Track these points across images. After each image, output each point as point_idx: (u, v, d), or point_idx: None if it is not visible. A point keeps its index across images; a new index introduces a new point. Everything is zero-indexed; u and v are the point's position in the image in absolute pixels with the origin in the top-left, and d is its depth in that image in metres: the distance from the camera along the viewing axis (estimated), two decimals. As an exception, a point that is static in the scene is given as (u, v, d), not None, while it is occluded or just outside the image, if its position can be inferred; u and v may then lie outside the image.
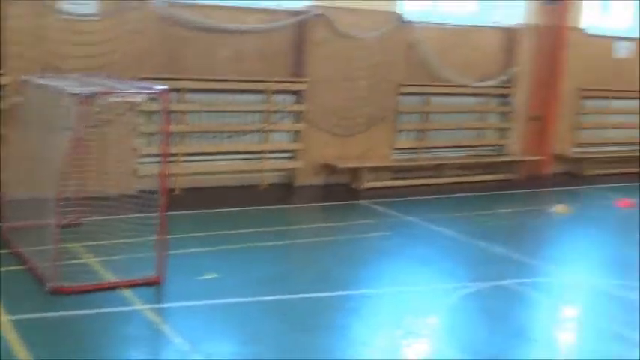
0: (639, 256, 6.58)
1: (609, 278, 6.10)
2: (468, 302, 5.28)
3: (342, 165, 8.62)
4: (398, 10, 8.90)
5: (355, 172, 8.75)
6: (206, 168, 8.17)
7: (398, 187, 8.92)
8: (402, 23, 8.91)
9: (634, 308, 5.38)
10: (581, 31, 10.39)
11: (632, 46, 11.08)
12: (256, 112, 8.34)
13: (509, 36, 9.89)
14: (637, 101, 11.31)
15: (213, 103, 8.06)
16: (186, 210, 7.02)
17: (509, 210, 8.31)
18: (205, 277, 5.34)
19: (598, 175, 10.60)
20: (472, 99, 9.80)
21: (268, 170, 8.53)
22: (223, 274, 5.43)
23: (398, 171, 9.19)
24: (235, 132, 8.24)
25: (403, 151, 9.39)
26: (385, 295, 5.33)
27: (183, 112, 7.86)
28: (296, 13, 8.36)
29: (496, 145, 10.12)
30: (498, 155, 10.06)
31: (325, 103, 8.63)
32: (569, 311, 5.43)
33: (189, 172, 8.00)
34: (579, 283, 6.00)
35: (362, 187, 8.67)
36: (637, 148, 11.39)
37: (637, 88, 11.18)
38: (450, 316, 5.06)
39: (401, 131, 9.30)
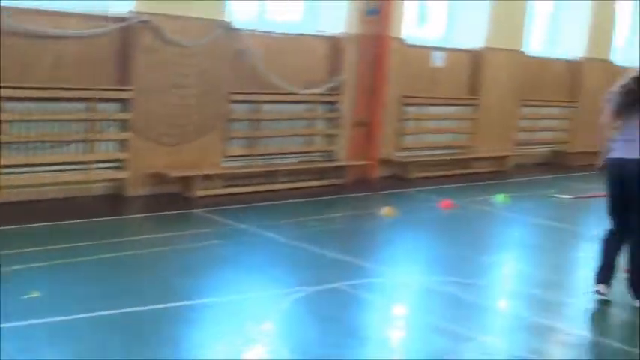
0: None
1: (435, 275, 6.40)
2: (301, 306, 5.35)
3: (172, 174, 8.47)
4: (226, 18, 8.88)
5: (187, 181, 8.63)
6: (29, 180, 7.73)
7: (230, 194, 8.90)
8: (229, 31, 8.90)
9: (458, 303, 5.70)
10: (401, 41, 10.85)
11: (445, 55, 11.72)
12: (80, 122, 8.01)
13: (335, 45, 10.16)
14: (453, 107, 12.00)
15: (33, 112, 7.65)
16: (9, 225, 6.61)
17: (340, 214, 8.53)
18: (31, 295, 5.04)
19: (422, 177, 11.12)
20: (301, 106, 9.96)
21: (95, 181, 8.22)
22: (50, 291, 5.15)
23: (230, 179, 9.17)
24: (58, 142, 7.88)
25: (235, 158, 9.38)
26: (223, 304, 5.29)
27: (0, 122, 7.41)
28: (120, 19, 8.12)
29: (325, 151, 10.34)
30: (327, 161, 10.29)
31: (153, 112, 8.45)
32: (400, 309, 5.65)
33: (11, 184, 7.54)
34: (408, 282, 6.26)
35: (194, 195, 8.57)
36: (455, 151, 12.09)
37: (452, 95, 11.86)
38: (284, 320, 5.11)
39: (232, 139, 9.28)
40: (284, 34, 9.65)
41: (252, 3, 9.59)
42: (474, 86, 12.22)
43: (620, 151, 5.79)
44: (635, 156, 5.67)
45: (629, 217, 5.79)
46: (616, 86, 5.92)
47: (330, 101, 10.24)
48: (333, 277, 5.99)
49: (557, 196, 10.39)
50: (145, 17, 8.16)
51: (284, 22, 10.00)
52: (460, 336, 5.00)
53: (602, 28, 14.35)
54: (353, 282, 5.93)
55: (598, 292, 5.92)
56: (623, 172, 5.76)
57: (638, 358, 4.84)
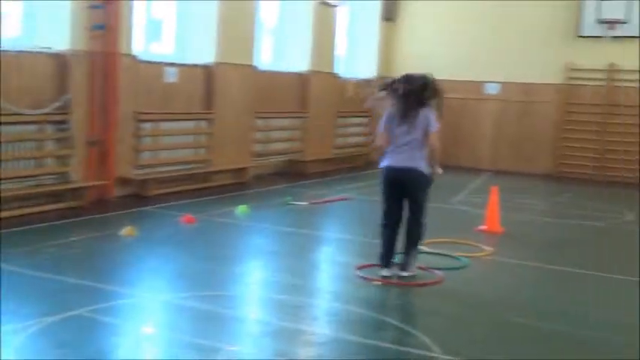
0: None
1: (181, 292, 6.34)
2: (40, 339, 5.02)
3: None
4: None
5: None
6: None
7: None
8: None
9: (205, 317, 5.69)
10: (132, 57, 10.65)
11: (178, 71, 11.71)
12: None
13: (61, 62, 9.72)
14: (189, 122, 12.02)
15: None
16: None
17: (78, 237, 8.14)
18: None
19: (162, 194, 10.99)
20: (28, 127, 9.38)
21: None
22: None
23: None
24: None
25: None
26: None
27: None
28: None
29: (58, 172, 9.83)
30: (61, 183, 9.79)
31: None
32: (146, 330, 5.50)
33: None
34: (154, 301, 6.13)
35: None
36: (194, 166, 12.10)
37: (187, 110, 11.88)
38: (21, 357, 4.75)
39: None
40: (3, 51, 9.03)
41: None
42: (208, 101, 12.34)
43: (402, 160, 6.81)
44: (414, 165, 6.78)
45: (409, 208, 6.96)
46: (382, 101, 6.96)
47: (59, 121, 9.76)
48: (75, 304, 5.70)
49: (293, 202, 10.78)
50: None
51: (3, 38, 9.37)
52: (208, 348, 4.99)
53: (324, 41, 15.21)
54: (96, 307, 5.69)
55: (384, 276, 6.93)
56: (405, 178, 6.82)
57: (374, 348, 5.16)
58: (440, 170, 6.99)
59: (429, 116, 6.76)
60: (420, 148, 6.78)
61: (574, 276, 7.57)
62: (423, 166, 6.82)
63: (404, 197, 6.93)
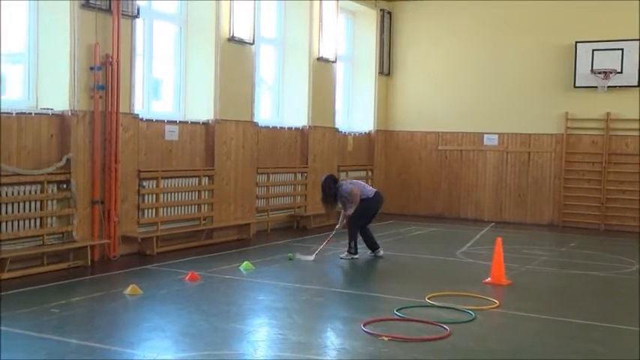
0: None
1: (184, 352, 6.26)
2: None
3: None
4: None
5: None
6: None
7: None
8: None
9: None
10: (133, 115, 10.73)
11: (179, 128, 11.78)
12: None
13: (62, 122, 9.78)
14: (191, 179, 12.02)
15: None
16: None
17: (82, 297, 8.08)
18: None
19: (165, 252, 10.96)
20: (30, 187, 9.39)
21: None
22: None
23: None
24: None
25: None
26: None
27: None
28: None
29: (61, 232, 9.81)
30: (64, 243, 9.76)
31: None
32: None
33: None
34: (159, 360, 6.06)
35: None
36: (197, 223, 12.08)
37: (188, 167, 11.91)
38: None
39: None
40: (5, 113, 9.10)
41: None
42: (209, 157, 12.38)
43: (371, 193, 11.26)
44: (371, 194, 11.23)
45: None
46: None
47: (61, 180, 9.77)
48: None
49: (300, 258, 10.75)
50: None
51: (4, 100, 9.46)
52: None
53: (322, 96, 15.33)
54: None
55: (376, 255, 11.25)
56: (378, 205, 11.33)
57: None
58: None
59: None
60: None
61: (582, 327, 7.49)
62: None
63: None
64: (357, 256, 10.96)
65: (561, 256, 12.31)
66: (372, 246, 11.28)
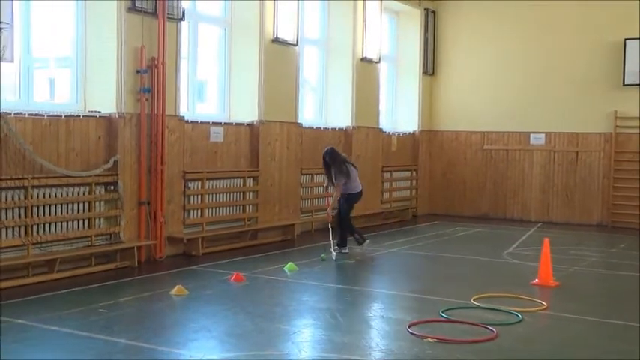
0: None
1: (230, 352, 6.29)
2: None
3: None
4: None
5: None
6: None
7: (5, 288, 8.23)
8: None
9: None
10: (179, 118, 10.83)
11: (223, 130, 11.86)
12: None
13: (110, 124, 9.92)
14: (236, 180, 12.09)
15: None
16: None
17: (129, 297, 8.18)
18: None
19: (210, 252, 11.04)
20: (78, 189, 9.53)
21: None
22: None
23: (3, 271, 8.49)
24: None
25: (7, 250, 8.71)
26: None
27: None
28: None
29: (108, 233, 9.94)
30: (111, 243, 9.89)
31: None
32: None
33: None
34: (204, 360, 6.10)
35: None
36: (241, 224, 12.14)
37: (233, 168, 11.98)
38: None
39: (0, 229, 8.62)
40: (54, 116, 9.26)
41: (16, 86, 9.18)
42: (253, 158, 12.44)
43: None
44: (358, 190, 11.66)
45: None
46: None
47: (108, 182, 9.91)
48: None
49: (337, 252, 10.82)
50: None
51: (54, 104, 9.63)
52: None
53: (366, 97, 15.29)
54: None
55: (342, 251, 11.35)
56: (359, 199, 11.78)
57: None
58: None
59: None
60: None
61: (630, 329, 7.32)
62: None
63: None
64: (368, 241, 11.70)
65: (610, 257, 12.07)
66: (343, 243, 11.51)
